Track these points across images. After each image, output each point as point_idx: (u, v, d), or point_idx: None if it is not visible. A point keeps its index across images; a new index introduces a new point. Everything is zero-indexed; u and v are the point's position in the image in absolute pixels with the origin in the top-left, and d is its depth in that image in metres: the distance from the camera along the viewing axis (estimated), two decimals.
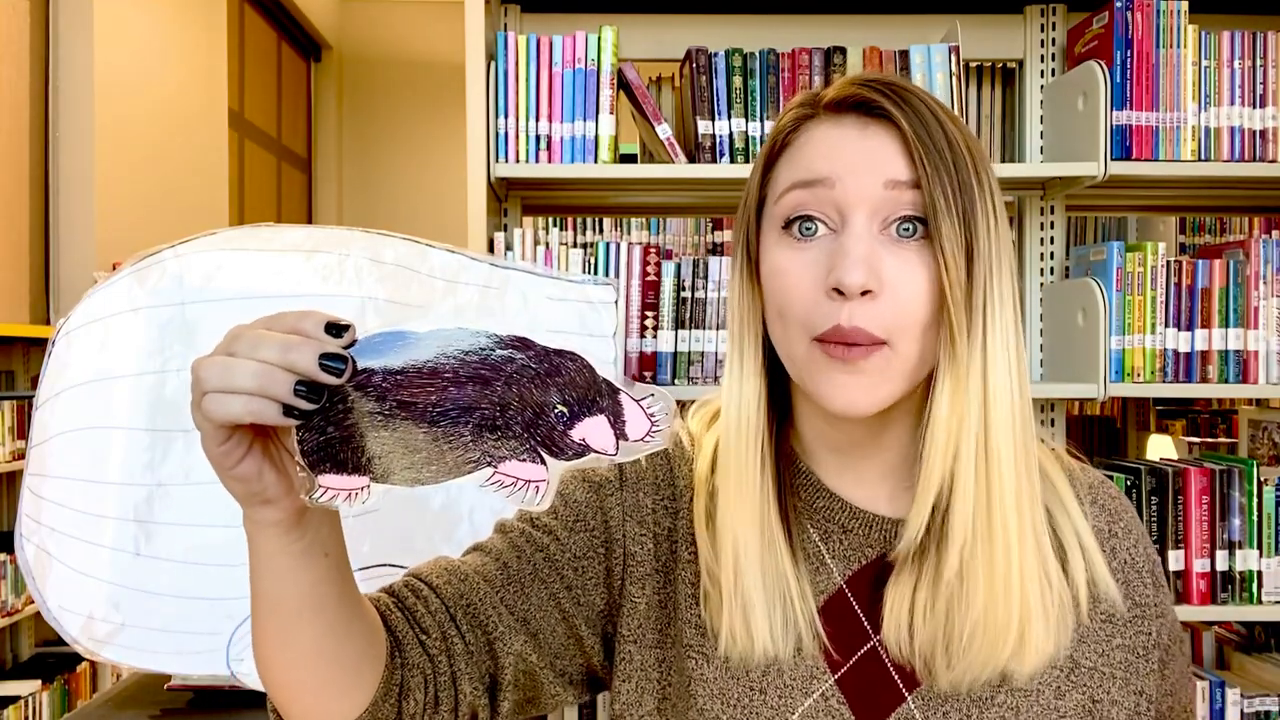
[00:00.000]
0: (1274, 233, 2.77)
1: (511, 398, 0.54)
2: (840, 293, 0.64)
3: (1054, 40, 2.00)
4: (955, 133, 0.66)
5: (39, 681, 2.99)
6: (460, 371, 0.54)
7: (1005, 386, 0.66)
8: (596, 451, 0.55)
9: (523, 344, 0.54)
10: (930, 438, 0.66)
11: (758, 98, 1.82)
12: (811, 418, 0.74)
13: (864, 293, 0.64)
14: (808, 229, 0.67)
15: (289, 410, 0.52)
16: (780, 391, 0.74)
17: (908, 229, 0.65)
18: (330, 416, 0.53)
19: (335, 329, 0.53)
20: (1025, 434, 0.67)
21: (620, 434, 0.55)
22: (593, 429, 0.55)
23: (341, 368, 0.52)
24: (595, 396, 0.55)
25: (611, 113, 1.79)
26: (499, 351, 0.54)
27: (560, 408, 0.54)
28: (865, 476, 0.74)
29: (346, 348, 0.53)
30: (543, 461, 0.55)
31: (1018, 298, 0.68)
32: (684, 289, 1.80)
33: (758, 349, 0.72)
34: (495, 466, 0.54)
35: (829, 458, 0.74)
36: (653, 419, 0.56)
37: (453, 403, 0.53)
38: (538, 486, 0.55)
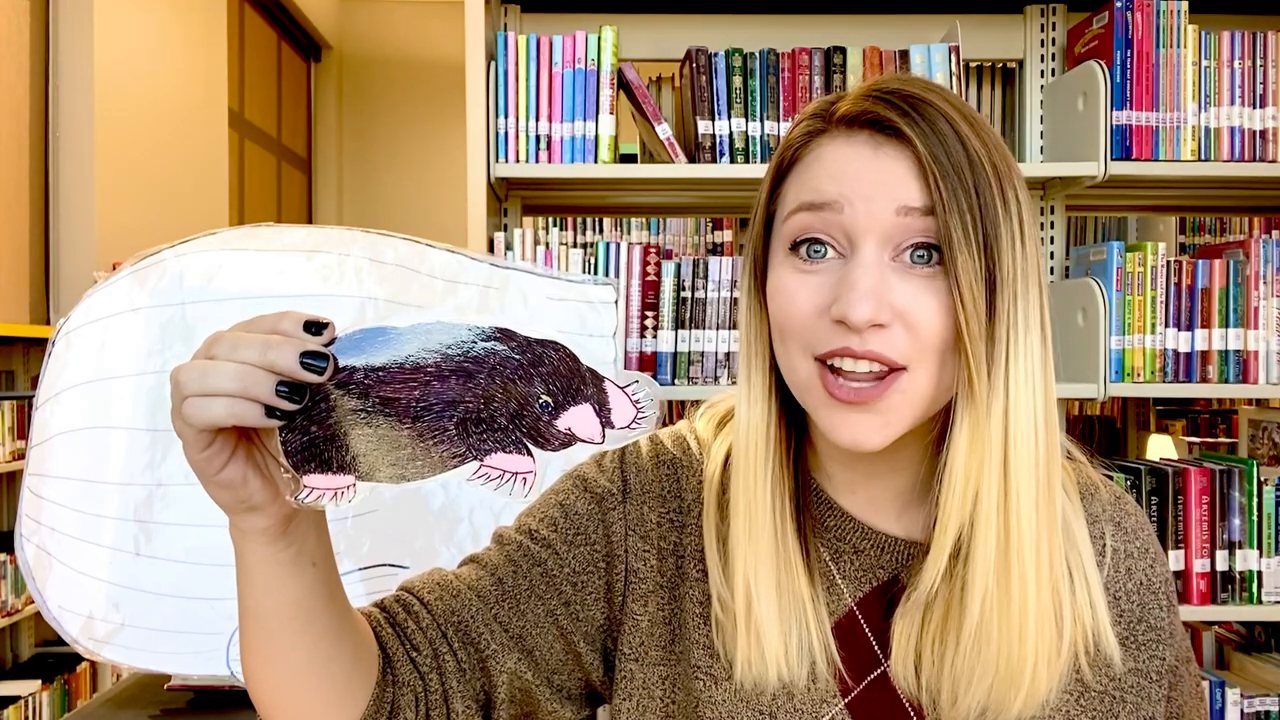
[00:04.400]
0: (1274, 233, 2.77)
1: (495, 390, 0.53)
2: (845, 323, 0.61)
3: (1054, 40, 2.00)
4: (977, 147, 0.62)
5: (39, 681, 2.99)
6: (443, 366, 0.53)
7: (1028, 423, 0.63)
8: (583, 440, 0.55)
9: (505, 335, 0.54)
10: (948, 480, 0.63)
11: (758, 98, 1.82)
12: (822, 436, 0.71)
13: (874, 325, 0.61)
14: (816, 252, 0.64)
15: (271, 411, 0.52)
16: (796, 405, 0.70)
17: (922, 256, 0.62)
18: (313, 416, 0.53)
19: (314, 327, 0.53)
20: (1049, 471, 0.64)
21: (606, 422, 0.55)
22: (578, 418, 0.54)
23: (323, 365, 0.51)
24: (580, 385, 0.54)
25: (611, 113, 1.79)
26: (481, 344, 0.53)
27: (545, 398, 0.54)
28: (877, 495, 0.72)
29: (327, 345, 0.53)
30: (529, 453, 0.54)
31: (1046, 319, 0.65)
32: (684, 289, 1.80)
33: (767, 369, 0.69)
34: (481, 460, 0.54)
35: (841, 475, 0.72)
36: (638, 405, 0.55)
37: (436, 397, 0.53)
38: (525, 478, 0.54)
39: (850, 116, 0.64)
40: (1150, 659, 0.72)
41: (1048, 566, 0.65)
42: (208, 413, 0.51)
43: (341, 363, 0.53)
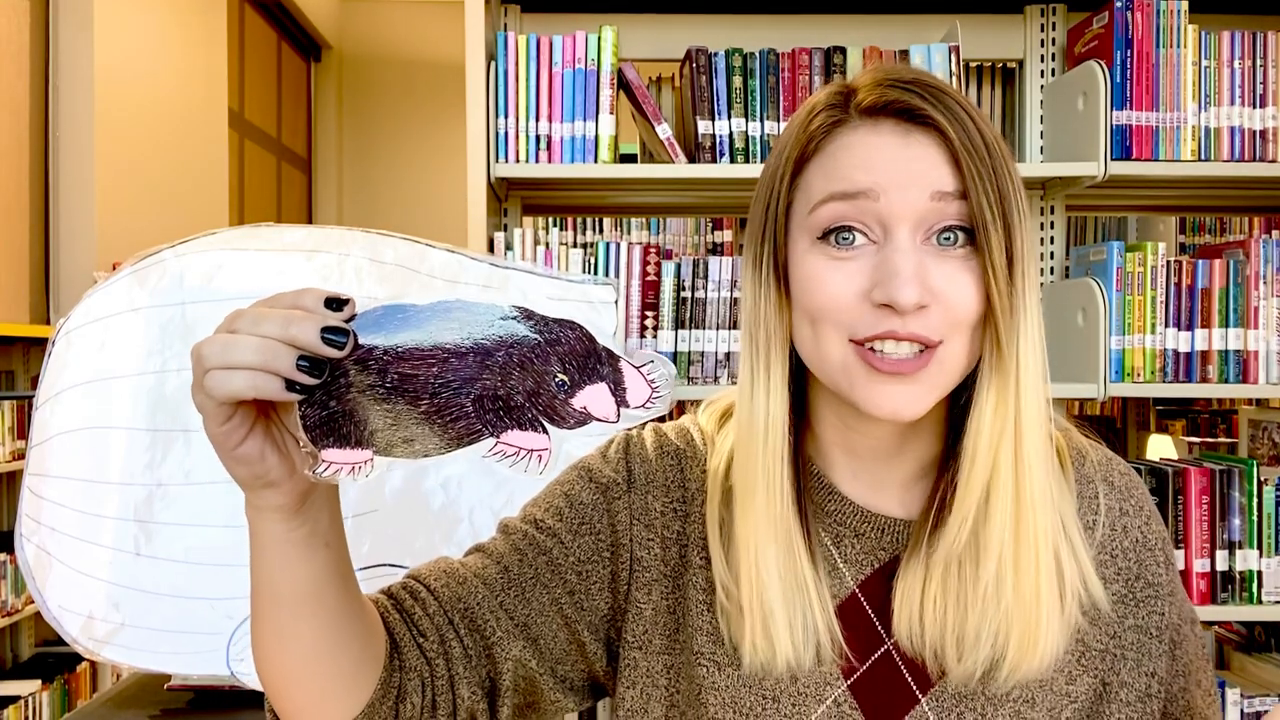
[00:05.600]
0: (1274, 233, 2.77)
1: (512, 368, 0.54)
2: (889, 306, 0.63)
3: (1054, 40, 2.00)
4: (990, 133, 0.65)
5: (39, 681, 2.99)
6: (461, 343, 0.54)
7: (1036, 387, 0.66)
8: (598, 419, 0.56)
9: (524, 314, 0.55)
10: (974, 446, 0.66)
11: (758, 98, 1.82)
12: (831, 423, 0.73)
13: (918, 307, 0.63)
14: (845, 239, 0.65)
15: (291, 385, 0.53)
16: (798, 395, 0.72)
17: (948, 238, 0.64)
18: (332, 391, 0.54)
19: (335, 303, 0.54)
20: (1047, 431, 0.67)
21: (621, 401, 0.56)
22: (594, 397, 0.55)
23: (343, 341, 0.53)
24: (596, 365, 0.55)
25: (611, 113, 1.79)
26: (500, 322, 0.55)
27: (561, 376, 0.55)
28: (881, 480, 0.73)
29: (347, 322, 0.54)
30: (545, 430, 0.55)
31: (1037, 285, 0.68)
32: (684, 289, 1.80)
33: (785, 360, 0.69)
34: (497, 436, 0.55)
35: (844, 461, 0.73)
36: (653, 385, 0.56)
37: (454, 374, 0.54)
38: (540, 455, 0.55)
39: (875, 106, 0.66)
40: (1149, 614, 0.73)
41: (1050, 529, 0.67)
42: (229, 385, 0.52)
43: (361, 339, 0.54)
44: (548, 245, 1.79)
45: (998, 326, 0.64)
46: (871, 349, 0.64)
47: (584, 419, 0.56)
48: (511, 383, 0.54)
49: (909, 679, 0.69)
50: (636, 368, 0.56)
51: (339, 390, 0.54)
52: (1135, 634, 0.72)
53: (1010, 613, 0.66)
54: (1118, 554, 0.74)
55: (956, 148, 0.63)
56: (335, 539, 0.63)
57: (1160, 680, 0.73)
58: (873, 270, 0.64)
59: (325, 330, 0.52)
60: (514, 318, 0.55)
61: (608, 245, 1.80)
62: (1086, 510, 0.74)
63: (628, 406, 0.56)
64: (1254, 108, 1.82)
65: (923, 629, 0.68)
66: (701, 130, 1.81)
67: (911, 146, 0.64)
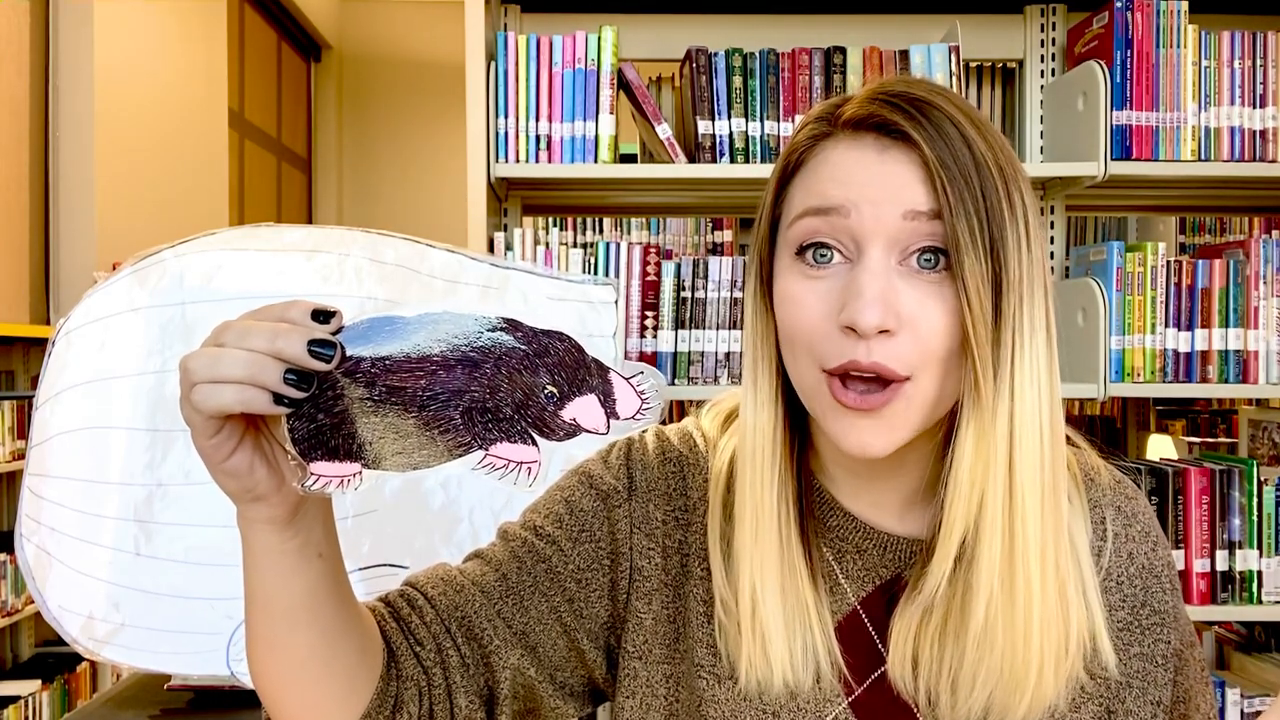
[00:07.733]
0: (1274, 233, 2.77)
1: (501, 380, 0.54)
2: (852, 330, 0.60)
3: (1054, 40, 2.00)
4: (983, 149, 0.62)
5: (39, 681, 2.98)
6: (449, 355, 0.54)
7: (1033, 426, 0.62)
8: (588, 431, 0.55)
9: (511, 326, 0.55)
10: (953, 483, 0.63)
11: (758, 98, 1.82)
12: (825, 438, 0.71)
13: (881, 331, 0.60)
14: (822, 256, 0.63)
15: (279, 398, 0.52)
16: (800, 409, 0.70)
17: (929, 260, 0.61)
18: (320, 404, 0.54)
19: (322, 315, 0.53)
20: (1054, 475, 0.64)
21: (611, 412, 0.55)
22: (583, 408, 0.55)
23: (330, 354, 0.52)
24: (585, 376, 0.55)
25: (611, 113, 1.79)
26: (488, 334, 0.54)
27: (550, 388, 0.55)
28: (881, 497, 0.71)
29: (334, 334, 0.53)
30: (534, 443, 0.55)
31: (1051, 320, 0.65)
32: (684, 289, 1.80)
33: (773, 374, 0.68)
34: (486, 449, 0.55)
35: (845, 478, 0.72)
36: (643, 396, 0.56)
37: (442, 386, 0.54)
38: (530, 468, 0.55)
39: (856, 120, 0.64)
40: (1155, 643, 0.72)
41: (1053, 569, 0.64)
42: (216, 399, 0.52)
43: (349, 351, 0.53)
44: (548, 245, 1.79)
45: (974, 359, 0.60)
46: (839, 379, 0.62)
47: (573, 431, 0.55)
48: (500, 394, 0.54)
49: (909, 701, 0.69)
50: (626, 379, 0.56)
51: (327, 403, 0.53)
52: (1141, 662, 0.71)
53: (1003, 661, 0.64)
54: (1124, 581, 0.72)
55: (932, 165, 0.60)
56: (328, 549, 0.62)
57: (1165, 709, 0.72)
58: (842, 290, 0.62)
59: (312, 343, 0.52)
60: (502, 329, 0.54)
61: (608, 245, 1.80)
62: (1094, 537, 0.72)
63: (617, 418, 0.55)
64: (1254, 108, 1.83)
65: (915, 674, 0.67)
66: (701, 130, 1.81)
67: (887, 162, 0.62)
